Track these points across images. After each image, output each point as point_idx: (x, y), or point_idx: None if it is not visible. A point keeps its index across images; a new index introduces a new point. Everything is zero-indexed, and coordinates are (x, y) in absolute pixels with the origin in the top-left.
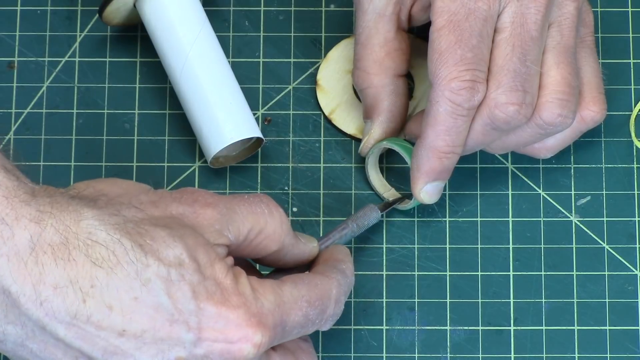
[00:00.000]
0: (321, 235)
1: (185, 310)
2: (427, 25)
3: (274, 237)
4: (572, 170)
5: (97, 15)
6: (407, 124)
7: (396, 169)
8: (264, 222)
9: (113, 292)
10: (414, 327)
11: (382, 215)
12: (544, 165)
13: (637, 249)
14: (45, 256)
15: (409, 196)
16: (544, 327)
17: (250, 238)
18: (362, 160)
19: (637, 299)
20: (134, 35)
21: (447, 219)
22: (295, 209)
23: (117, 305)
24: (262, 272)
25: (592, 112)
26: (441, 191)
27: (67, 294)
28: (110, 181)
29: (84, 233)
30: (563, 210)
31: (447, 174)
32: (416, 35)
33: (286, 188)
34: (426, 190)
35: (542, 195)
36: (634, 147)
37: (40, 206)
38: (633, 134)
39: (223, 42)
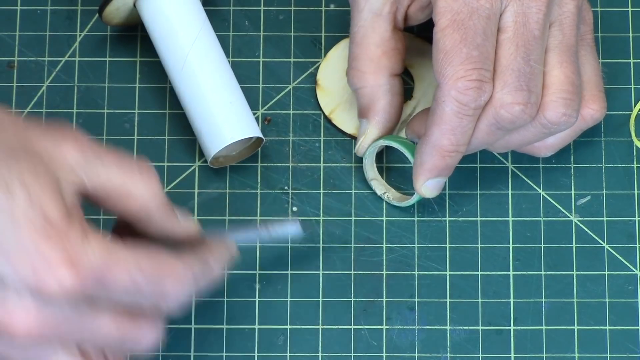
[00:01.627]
0: (320, 235)
1: (1, 230)
2: (428, 25)
3: (138, 200)
4: (572, 170)
5: (97, 15)
6: (409, 123)
7: (395, 169)
8: (129, 181)
9: None
10: (414, 327)
11: (303, 232)
12: (544, 165)
13: (637, 249)
14: None
15: (404, 194)
16: (544, 327)
17: (110, 192)
18: (362, 160)
19: (637, 298)
20: (134, 35)
21: (447, 218)
22: (295, 209)
23: None
24: None
25: (592, 110)
26: (442, 186)
27: None
28: None
29: None
30: (563, 210)
31: (450, 170)
32: (416, 35)
33: (286, 188)
34: (427, 186)
35: (542, 195)
36: (634, 147)
37: None
38: (633, 134)
39: (223, 42)
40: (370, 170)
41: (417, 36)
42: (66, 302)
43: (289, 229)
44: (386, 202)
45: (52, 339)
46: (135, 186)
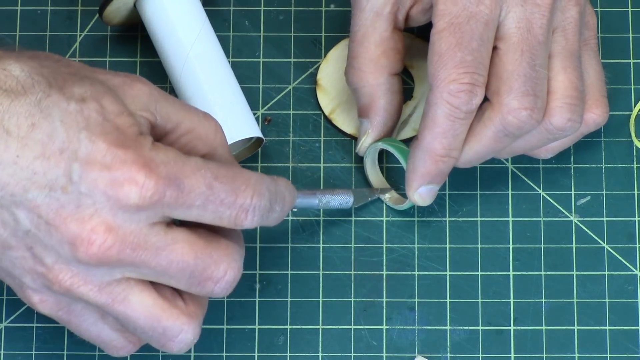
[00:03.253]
0: (320, 235)
1: (75, 140)
2: (428, 26)
3: (205, 140)
4: (572, 170)
5: (97, 15)
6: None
7: (396, 169)
8: (196, 122)
9: (13, 118)
10: (414, 327)
11: (353, 205)
12: (544, 165)
13: (637, 249)
14: None
15: (403, 195)
16: (544, 327)
17: (179, 132)
18: (362, 160)
19: (637, 299)
20: (134, 35)
21: (447, 218)
22: (295, 209)
23: (15, 130)
24: None
25: (595, 115)
26: (435, 194)
27: None
28: (56, 55)
29: (2, 68)
30: (563, 210)
31: (442, 177)
32: (417, 35)
33: None
34: (420, 193)
35: (542, 195)
36: (634, 147)
37: None
38: (633, 134)
39: (223, 42)
40: (371, 169)
41: (417, 36)
42: (144, 216)
43: (341, 199)
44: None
45: (127, 265)
46: (201, 126)
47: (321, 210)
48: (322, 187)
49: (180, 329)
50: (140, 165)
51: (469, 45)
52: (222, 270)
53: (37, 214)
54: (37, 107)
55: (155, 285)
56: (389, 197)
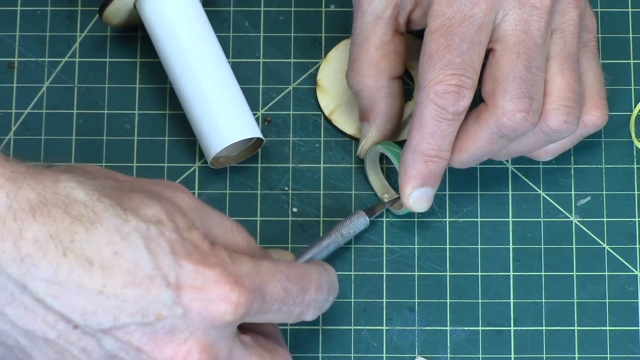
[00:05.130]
0: (321, 235)
1: (164, 266)
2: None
3: (238, 250)
4: (572, 171)
5: (97, 15)
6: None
7: (396, 170)
8: (230, 235)
9: (93, 247)
10: (414, 328)
11: (369, 220)
12: (544, 166)
13: (637, 249)
14: (24, 213)
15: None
16: (544, 328)
17: (215, 241)
18: (362, 160)
19: (637, 299)
20: (134, 35)
21: (447, 219)
22: (295, 210)
23: (98, 259)
24: None
25: (594, 117)
26: (431, 199)
27: (47, 248)
28: (86, 165)
29: (62, 192)
30: (563, 211)
31: (435, 179)
32: (416, 36)
33: (286, 188)
34: (414, 197)
35: (542, 196)
36: (634, 148)
37: (16, 167)
38: (633, 135)
39: (223, 42)
40: (372, 171)
41: (417, 37)
42: (231, 329)
43: (360, 223)
44: None
45: None
46: (234, 237)
47: (321, 210)
48: (321, 188)
49: None
50: (230, 283)
51: (459, 48)
52: None
53: (127, 340)
54: (117, 233)
55: None
56: (388, 199)
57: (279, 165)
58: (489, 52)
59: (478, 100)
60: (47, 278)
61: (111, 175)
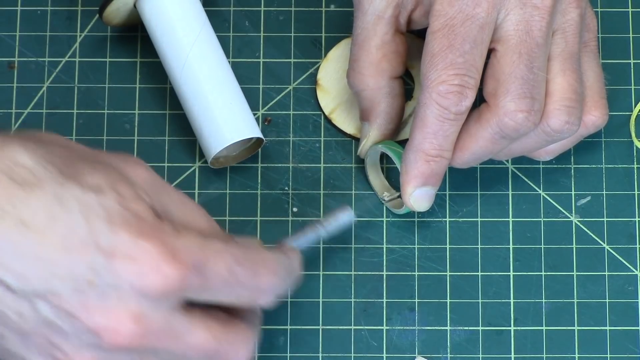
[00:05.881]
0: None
1: (98, 233)
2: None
3: (198, 230)
4: (572, 171)
5: (97, 15)
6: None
7: (396, 169)
8: (190, 216)
9: (31, 211)
10: (414, 328)
11: (355, 217)
12: (544, 166)
13: (637, 249)
14: None
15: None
16: (544, 328)
17: (171, 219)
18: (362, 160)
19: (637, 299)
20: (134, 35)
21: (447, 219)
22: (295, 209)
23: (34, 223)
24: None
25: (594, 117)
26: (432, 198)
27: None
28: (43, 133)
29: (8, 157)
30: (563, 211)
31: (436, 179)
32: (417, 36)
33: (286, 188)
34: (415, 196)
35: (542, 196)
36: (634, 148)
37: None
38: (633, 134)
39: (223, 42)
40: (372, 171)
41: (417, 37)
42: (167, 303)
43: (343, 219)
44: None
45: (149, 351)
46: (193, 218)
47: (321, 210)
48: (322, 188)
49: None
50: (164, 254)
51: (461, 48)
52: (238, 354)
53: (59, 305)
54: (55, 199)
55: None
56: (388, 197)
57: (279, 165)
58: (490, 52)
59: (478, 100)
60: None
61: (66, 144)
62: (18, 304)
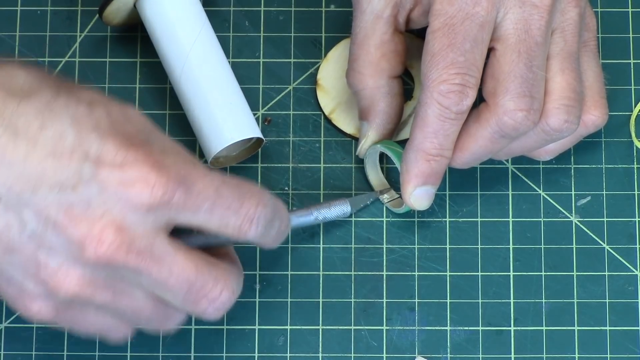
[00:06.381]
0: (320, 235)
1: (87, 141)
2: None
3: None
4: (572, 171)
5: (97, 15)
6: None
7: (396, 169)
8: (181, 159)
9: (22, 118)
10: (414, 328)
11: (352, 212)
12: (544, 166)
13: (637, 249)
14: None
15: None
16: (544, 328)
17: None
18: (362, 160)
19: (637, 299)
20: (134, 35)
21: (447, 219)
22: (295, 209)
23: (24, 130)
24: None
25: (594, 116)
26: (432, 197)
27: None
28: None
29: (5, 71)
30: (563, 211)
31: (436, 178)
32: (417, 35)
33: (286, 188)
34: (416, 195)
35: (542, 196)
36: (634, 148)
37: None
38: (633, 134)
39: (223, 42)
40: (371, 171)
41: (417, 36)
42: (152, 218)
43: (338, 210)
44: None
45: (130, 270)
46: (182, 158)
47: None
48: (322, 188)
49: (180, 315)
50: (151, 165)
51: (462, 46)
52: (218, 290)
53: (45, 215)
54: (47, 108)
55: None
56: (388, 199)
57: (279, 165)
58: (489, 51)
59: (478, 100)
60: None
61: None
62: (5, 216)
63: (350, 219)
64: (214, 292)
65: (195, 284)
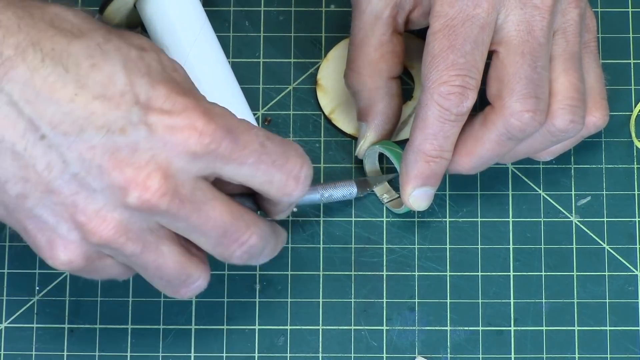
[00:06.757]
0: (320, 235)
1: (137, 85)
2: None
3: None
4: (573, 171)
5: (98, 15)
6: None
7: (396, 170)
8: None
9: (72, 57)
10: (414, 328)
11: (358, 193)
12: (544, 166)
13: (637, 249)
14: (10, 22)
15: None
16: (544, 328)
17: None
18: (361, 160)
19: (637, 299)
20: None
21: (447, 219)
22: (295, 209)
23: (74, 69)
24: None
25: (595, 117)
26: (431, 198)
27: (27, 52)
28: None
29: (52, 11)
30: (563, 211)
31: (436, 179)
32: (416, 36)
33: None
34: (415, 196)
35: (543, 196)
36: (634, 148)
37: None
38: (633, 135)
39: (223, 42)
40: (371, 172)
41: (417, 37)
42: (197, 167)
43: (343, 191)
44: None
45: (169, 216)
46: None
47: (321, 210)
48: None
49: (199, 275)
50: (200, 112)
51: (462, 48)
52: (248, 234)
53: (90, 157)
54: (98, 49)
55: (177, 236)
56: (388, 199)
57: None
58: (491, 54)
59: (478, 103)
60: (23, 81)
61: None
62: (48, 155)
63: (350, 219)
64: (244, 236)
65: (230, 229)
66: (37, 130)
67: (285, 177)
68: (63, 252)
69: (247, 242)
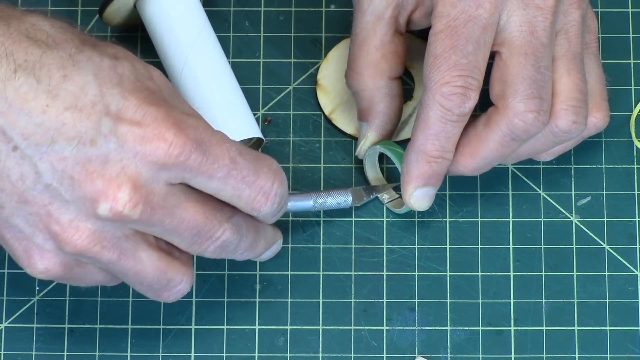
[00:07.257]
0: (321, 236)
1: (108, 95)
2: (429, 27)
3: None
4: (573, 171)
5: (98, 15)
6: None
7: (396, 170)
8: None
9: (44, 68)
10: (414, 328)
11: (352, 204)
12: (544, 166)
13: (637, 249)
14: None
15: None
16: (544, 328)
17: None
18: (361, 160)
19: (637, 299)
20: (135, 35)
21: (448, 219)
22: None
23: (46, 80)
24: None
25: (596, 118)
26: (432, 198)
27: (0, 64)
28: None
29: (28, 21)
30: (563, 211)
31: (437, 179)
32: (417, 36)
33: None
34: (416, 196)
35: (543, 196)
36: (634, 148)
37: None
38: (633, 135)
39: (223, 42)
40: (371, 171)
41: (418, 37)
42: (166, 176)
43: (339, 198)
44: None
45: (143, 223)
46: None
47: (321, 211)
48: (322, 188)
49: (181, 279)
50: (170, 123)
51: (465, 49)
52: (221, 231)
53: (61, 167)
54: (70, 59)
55: (156, 239)
56: (388, 199)
57: (279, 165)
58: (494, 55)
59: (480, 103)
60: None
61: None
62: (21, 166)
63: (350, 219)
64: (217, 233)
65: (204, 228)
66: (10, 141)
67: (254, 193)
68: (40, 261)
69: (220, 238)
